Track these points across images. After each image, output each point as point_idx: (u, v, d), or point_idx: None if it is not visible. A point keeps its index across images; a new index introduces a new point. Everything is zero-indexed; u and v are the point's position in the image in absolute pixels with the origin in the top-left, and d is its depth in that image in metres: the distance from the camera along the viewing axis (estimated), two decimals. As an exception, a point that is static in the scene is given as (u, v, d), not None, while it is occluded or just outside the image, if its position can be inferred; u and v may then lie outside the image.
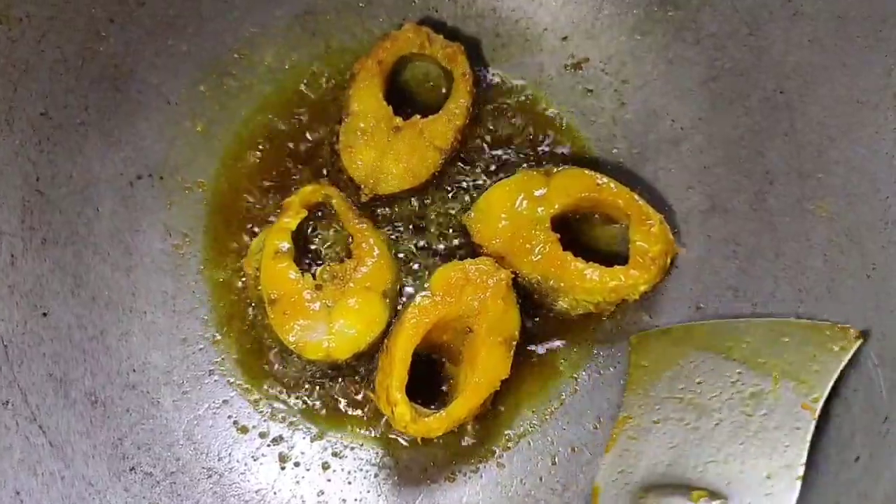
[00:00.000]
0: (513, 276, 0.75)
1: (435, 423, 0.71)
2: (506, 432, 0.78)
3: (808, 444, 0.62)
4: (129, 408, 0.75)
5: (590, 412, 0.77)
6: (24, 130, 0.73)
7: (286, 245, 0.76)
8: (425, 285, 0.74)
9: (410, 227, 0.83)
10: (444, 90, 0.86)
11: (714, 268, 0.77)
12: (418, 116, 0.81)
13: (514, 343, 0.74)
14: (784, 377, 0.65)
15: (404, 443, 0.77)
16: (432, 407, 0.73)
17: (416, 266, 0.81)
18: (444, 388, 0.79)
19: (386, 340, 0.75)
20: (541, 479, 0.76)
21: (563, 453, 0.77)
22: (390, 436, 0.78)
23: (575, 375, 0.79)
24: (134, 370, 0.76)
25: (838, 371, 0.63)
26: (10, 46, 0.72)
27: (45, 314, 0.73)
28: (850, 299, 0.68)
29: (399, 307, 0.78)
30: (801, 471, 0.61)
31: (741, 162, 0.77)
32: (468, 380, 0.72)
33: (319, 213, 0.81)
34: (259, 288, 0.76)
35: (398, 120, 0.80)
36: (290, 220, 0.77)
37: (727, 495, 0.62)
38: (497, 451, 0.77)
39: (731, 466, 0.63)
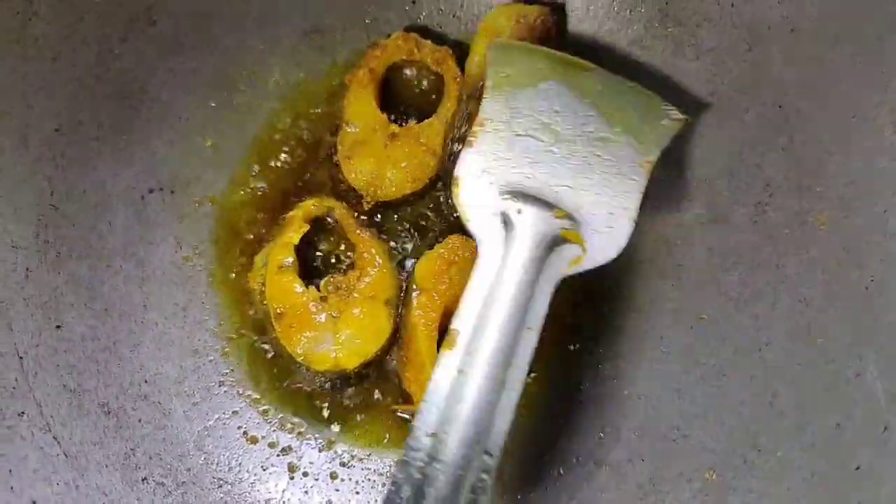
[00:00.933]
0: None
1: None
2: (510, 443, 0.79)
3: (641, 195, 0.71)
4: (142, 418, 0.76)
5: (594, 422, 0.79)
6: (39, 147, 0.75)
7: (290, 259, 0.77)
8: (413, 285, 0.75)
9: (415, 233, 0.84)
10: (437, 95, 0.87)
11: (715, 279, 0.78)
12: (414, 122, 0.83)
13: None
14: (626, 132, 0.73)
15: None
16: None
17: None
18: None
19: (403, 353, 0.76)
20: (546, 488, 0.77)
21: (568, 463, 0.78)
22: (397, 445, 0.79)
23: (580, 386, 0.80)
24: (146, 381, 0.77)
25: (667, 142, 0.73)
26: (26, 64, 0.74)
27: (59, 326, 0.74)
28: (849, 311, 0.69)
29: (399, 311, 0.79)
30: (635, 215, 0.70)
31: (741, 175, 0.78)
32: None
33: (323, 226, 0.83)
34: (265, 302, 0.78)
35: (394, 127, 0.82)
36: (293, 235, 0.78)
37: (579, 221, 0.69)
38: (503, 461, 0.78)
39: (582, 197, 0.70)
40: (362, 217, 0.82)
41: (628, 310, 0.81)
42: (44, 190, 0.75)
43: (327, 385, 0.79)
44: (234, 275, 0.83)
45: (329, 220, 0.82)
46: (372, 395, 0.80)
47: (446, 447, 0.60)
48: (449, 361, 0.62)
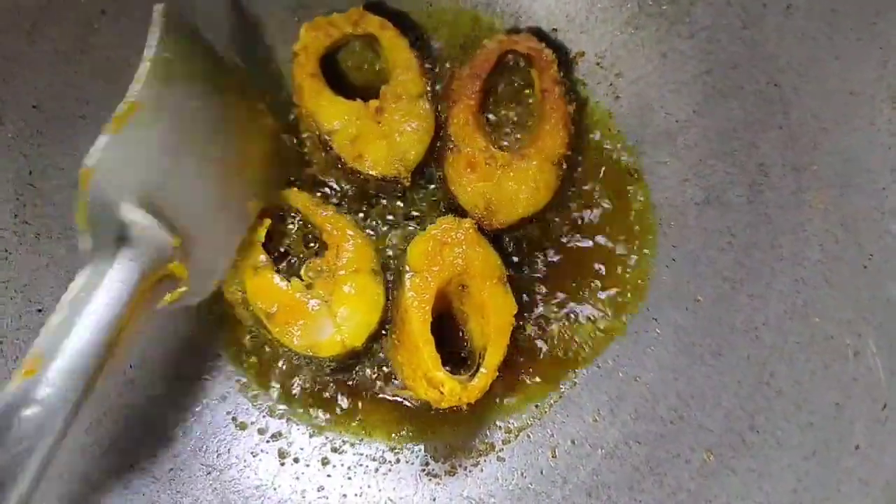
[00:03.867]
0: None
1: (481, 381, 0.71)
2: (506, 425, 0.78)
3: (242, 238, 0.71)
4: (128, 403, 0.74)
5: (589, 405, 0.78)
6: (15, 123, 0.73)
7: (262, 258, 0.74)
8: (406, 267, 0.74)
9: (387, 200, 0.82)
10: (377, 68, 0.85)
11: (710, 260, 0.78)
12: (384, 86, 0.79)
13: (506, 278, 0.74)
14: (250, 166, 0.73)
15: (405, 435, 0.78)
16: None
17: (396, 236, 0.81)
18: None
19: (393, 336, 0.75)
20: (541, 471, 0.76)
21: (563, 446, 0.77)
22: (390, 428, 0.78)
23: (575, 369, 0.79)
24: (132, 366, 0.75)
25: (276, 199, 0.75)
26: (1, 36, 0.71)
27: (39, 310, 0.72)
28: (847, 289, 0.69)
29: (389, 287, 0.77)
30: (233, 256, 0.71)
31: (736, 154, 0.78)
32: (487, 329, 0.73)
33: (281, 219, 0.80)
34: (251, 308, 0.75)
35: (374, 102, 0.79)
36: (258, 233, 0.75)
37: (188, 252, 0.61)
38: (497, 444, 0.77)
39: (199, 226, 0.63)
40: (318, 194, 0.80)
41: (622, 291, 0.80)
42: (21, 168, 0.73)
43: (336, 368, 0.78)
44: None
45: (285, 206, 0.78)
46: (361, 379, 0.79)
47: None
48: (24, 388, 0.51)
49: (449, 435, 0.77)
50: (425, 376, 0.71)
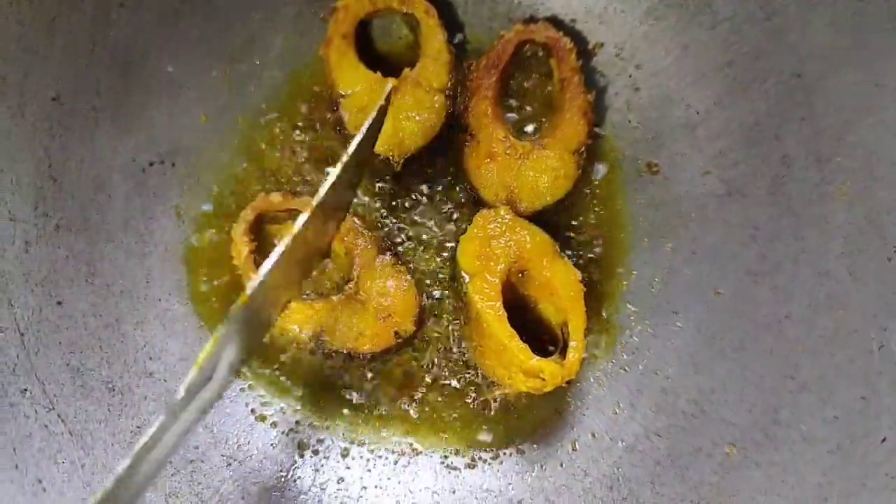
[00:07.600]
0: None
1: (576, 354, 0.71)
2: (524, 418, 0.78)
3: None
4: (147, 396, 0.74)
5: (608, 398, 0.77)
6: (35, 116, 0.72)
7: None
8: (462, 273, 0.73)
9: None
10: (407, 49, 0.85)
11: (732, 252, 0.77)
12: (407, 70, 0.79)
13: (558, 249, 0.74)
14: None
15: (425, 429, 0.77)
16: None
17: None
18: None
19: (475, 343, 0.75)
20: (561, 464, 0.76)
21: (583, 439, 0.76)
22: (411, 422, 0.78)
23: (594, 361, 0.79)
24: (150, 358, 0.75)
25: None
26: (21, 31, 0.71)
27: (59, 302, 0.72)
28: (871, 282, 0.68)
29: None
30: None
31: (758, 146, 0.77)
32: (560, 304, 0.73)
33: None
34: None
35: (392, 80, 0.78)
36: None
37: None
38: (516, 437, 0.77)
39: None
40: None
41: (643, 284, 0.80)
42: (41, 161, 0.73)
43: (339, 362, 0.78)
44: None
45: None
46: (380, 373, 0.78)
47: None
48: None
49: (469, 428, 0.77)
50: (521, 369, 0.70)
